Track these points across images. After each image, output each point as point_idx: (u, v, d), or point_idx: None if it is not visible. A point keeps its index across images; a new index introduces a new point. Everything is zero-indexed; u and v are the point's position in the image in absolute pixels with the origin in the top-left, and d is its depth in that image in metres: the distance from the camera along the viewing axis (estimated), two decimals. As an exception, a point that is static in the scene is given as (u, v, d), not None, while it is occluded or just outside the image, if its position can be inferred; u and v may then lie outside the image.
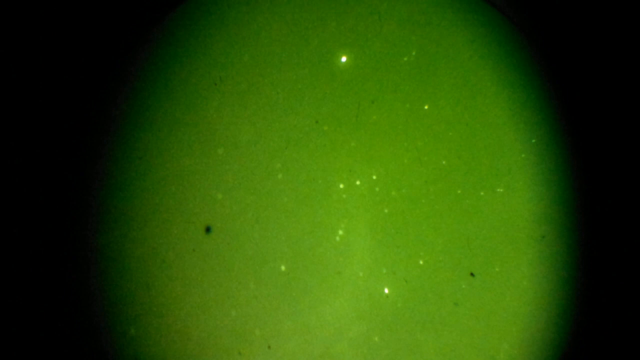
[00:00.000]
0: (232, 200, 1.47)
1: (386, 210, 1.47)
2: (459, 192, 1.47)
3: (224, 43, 1.50)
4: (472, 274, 1.45)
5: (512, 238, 1.46)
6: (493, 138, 1.48)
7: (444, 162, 1.48)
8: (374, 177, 1.48)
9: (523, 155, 1.47)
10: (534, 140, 1.48)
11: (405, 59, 1.49)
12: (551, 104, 1.50)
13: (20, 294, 1.49)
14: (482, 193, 1.47)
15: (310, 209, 1.47)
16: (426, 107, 1.49)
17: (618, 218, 1.46)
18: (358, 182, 1.48)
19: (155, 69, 1.51)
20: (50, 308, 1.51)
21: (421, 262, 1.46)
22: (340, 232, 1.47)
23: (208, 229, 1.47)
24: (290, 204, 1.47)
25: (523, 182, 1.47)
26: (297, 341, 1.44)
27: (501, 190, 1.47)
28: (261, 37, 1.50)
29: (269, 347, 1.44)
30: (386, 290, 1.45)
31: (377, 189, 1.48)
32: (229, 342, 1.45)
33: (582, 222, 1.47)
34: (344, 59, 1.50)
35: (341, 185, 1.48)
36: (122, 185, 1.49)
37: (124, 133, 1.50)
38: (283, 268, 1.46)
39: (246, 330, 1.44)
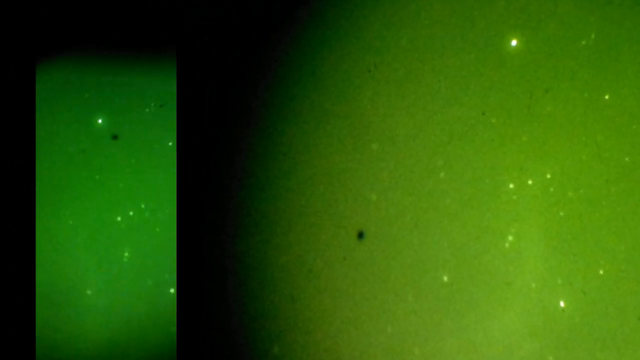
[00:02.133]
0: (387, 202, 1.38)
1: (562, 213, 1.37)
2: (644, 192, 1.38)
3: (379, 25, 1.40)
4: (661, 285, 1.35)
5: None
6: (686, 132, 1.38)
7: (626, 159, 1.37)
8: (548, 176, 1.38)
9: None
10: None
11: (583, 42, 1.39)
12: None
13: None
14: (673, 194, 1.37)
15: (476, 211, 1.37)
16: (607, 97, 1.38)
17: None
18: (530, 182, 1.38)
19: (300, 54, 1.41)
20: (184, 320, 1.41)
21: (601, 272, 1.36)
22: (510, 238, 1.37)
23: (361, 235, 1.38)
24: (454, 206, 1.38)
25: None
26: (461, 361, 1.36)
27: (695, 190, 1.37)
28: (421, 18, 1.40)
29: (431, 367, 1.36)
30: (562, 304, 1.36)
31: (551, 189, 1.38)
32: (385, 362, 1.36)
33: None
34: (514, 42, 1.40)
35: (511, 185, 1.38)
36: (264, 185, 1.39)
37: (265, 126, 1.41)
38: (445, 278, 1.37)
39: (404, 349, 1.36)
